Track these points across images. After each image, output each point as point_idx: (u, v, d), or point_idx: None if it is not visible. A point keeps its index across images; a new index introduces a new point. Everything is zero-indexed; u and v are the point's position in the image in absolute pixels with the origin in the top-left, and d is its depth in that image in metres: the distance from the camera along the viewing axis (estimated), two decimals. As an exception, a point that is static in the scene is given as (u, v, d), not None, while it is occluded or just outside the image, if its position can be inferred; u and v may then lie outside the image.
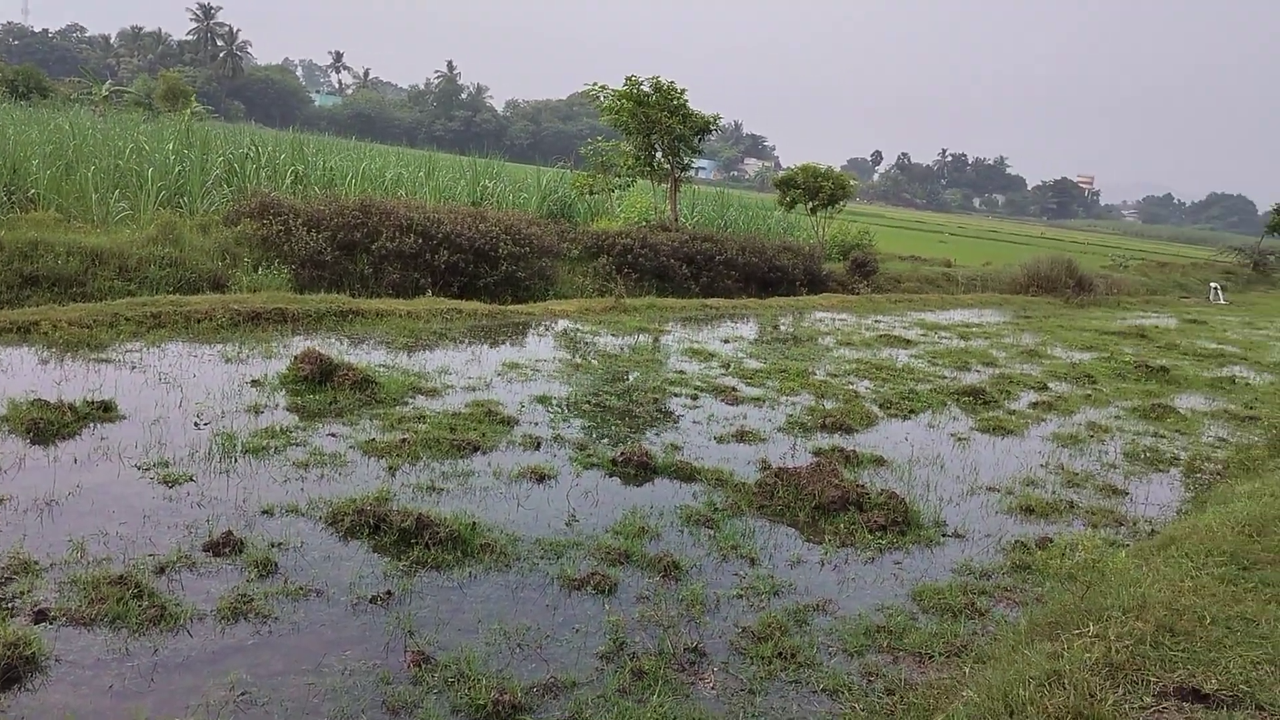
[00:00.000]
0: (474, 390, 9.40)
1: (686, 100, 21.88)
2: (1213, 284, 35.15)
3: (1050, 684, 3.71)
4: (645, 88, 21.65)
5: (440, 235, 15.59)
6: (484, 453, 7.52)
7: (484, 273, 15.96)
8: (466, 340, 11.93)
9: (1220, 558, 5.16)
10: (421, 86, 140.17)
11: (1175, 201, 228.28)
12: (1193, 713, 3.46)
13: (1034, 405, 11.56)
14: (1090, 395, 12.55)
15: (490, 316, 13.63)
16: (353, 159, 24.41)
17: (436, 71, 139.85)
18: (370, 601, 4.99)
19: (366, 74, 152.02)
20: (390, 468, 6.95)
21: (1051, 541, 6.75)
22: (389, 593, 5.08)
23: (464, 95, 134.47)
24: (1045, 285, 26.62)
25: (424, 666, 4.37)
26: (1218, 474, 8.99)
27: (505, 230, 16.53)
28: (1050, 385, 12.94)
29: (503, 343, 12.18)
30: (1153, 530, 7.21)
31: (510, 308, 14.48)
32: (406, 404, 8.63)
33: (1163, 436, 10.57)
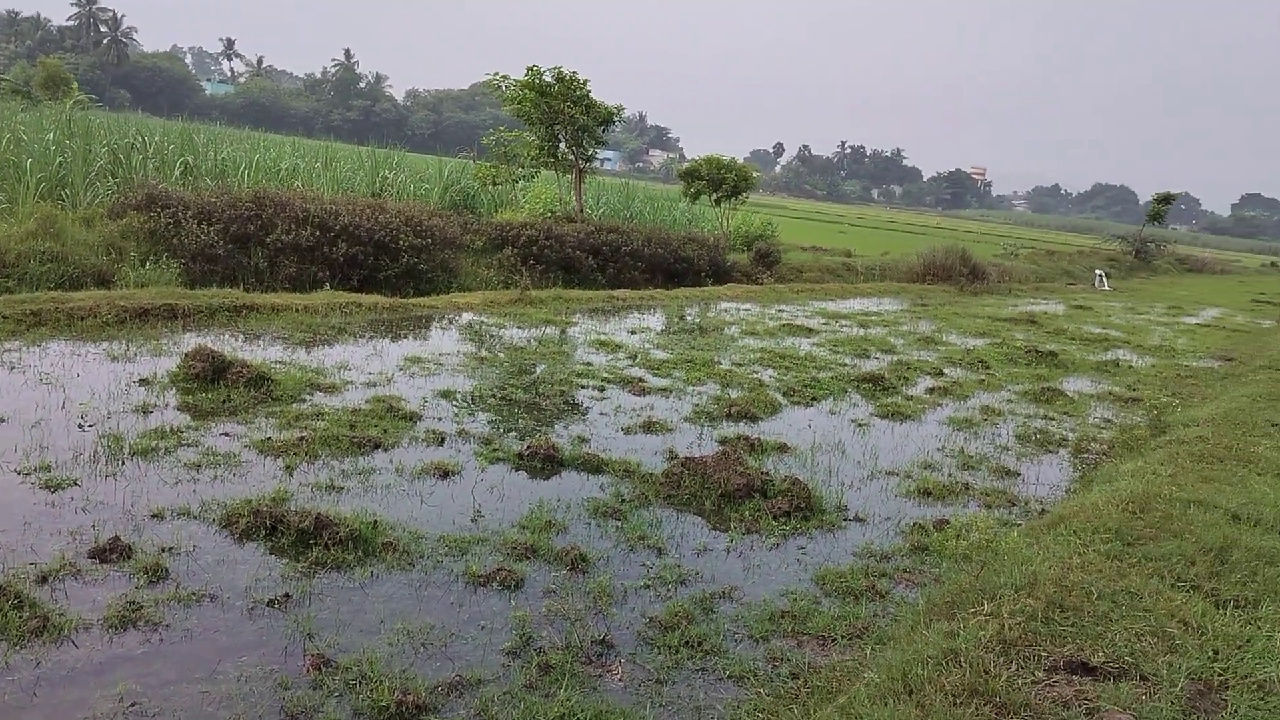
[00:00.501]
0: (375, 386, 9.21)
1: (590, 91, 21.79)
2: (1098, 271, 36.62)
3: (947, 662, 3.81)
4: (548, 78, 21.48)
5: (338, 227, 15.22)
6: (385, 449, 7.38)
7: (384, 265, 15.65)
8: (367, 334, 11.68)
9: (1106, 535, 5.37)
10: (318, 75, 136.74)
11: (1063, 192, 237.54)
12: (1081, 685, 3.59)
13: (931, 391, 11.87)
14: (984, 380, 12.95)
15: (391, 310, 13.37)
16: (246, 149, 23.63)
17: (334, 60, 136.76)
18: (267, 605, 4.84)
19: (260, 62, 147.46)
20: (288, 467, 6.75)
21: (948, 523, 6.95)
22: (287, 595, 4.94)
23: (362, 84, 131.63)
24: (941, 274, 27.37)
25: (324, 670, 4.27)
26: (1103, 454, 9.37)
27: (406, 222, 16.23)
28: (946, 371, 13.31)
29: (405, 337, 11.96)
30: (1043, 510, 7.48)
31: (412, 301, 14.22)
32: (304, 401, 8.41)
33: (1052, 419, 10.97)
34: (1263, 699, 3.61)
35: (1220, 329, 23.01)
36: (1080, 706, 3.46)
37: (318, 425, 7.67)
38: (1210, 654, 3.94)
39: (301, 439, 7.20)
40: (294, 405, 8.21)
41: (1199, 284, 43.19)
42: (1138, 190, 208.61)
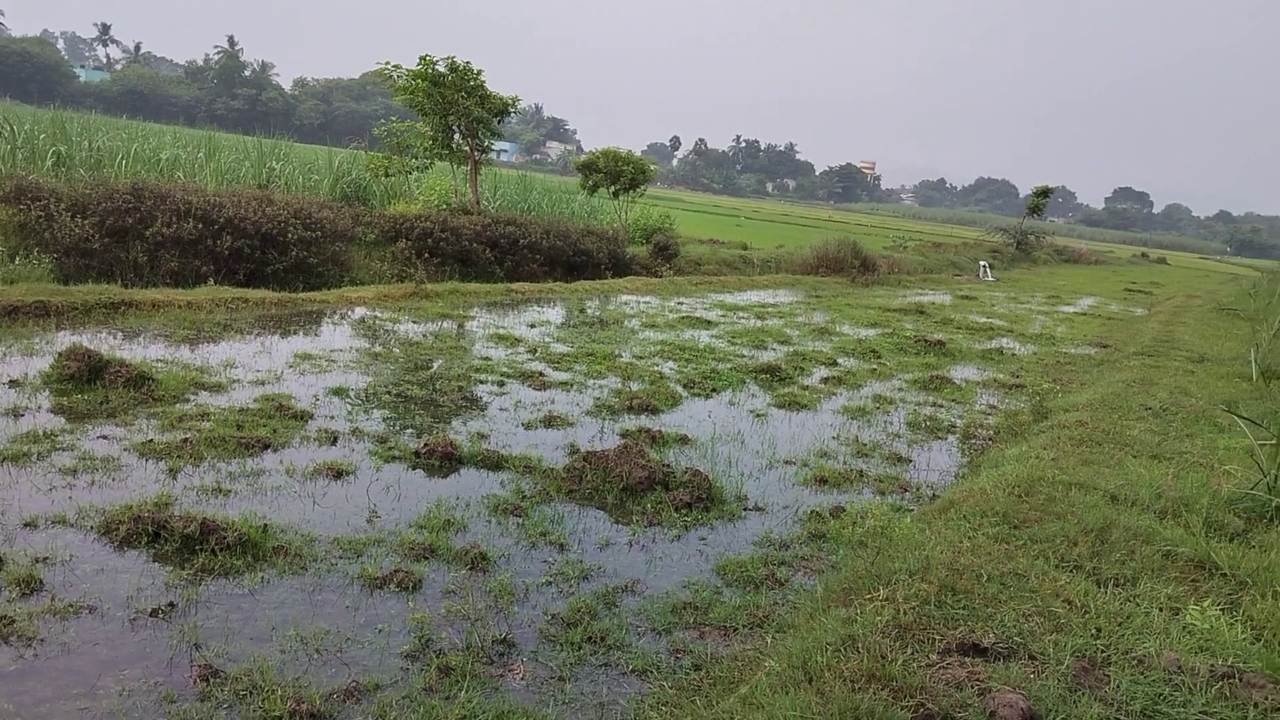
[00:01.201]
0: (263, 384, 8.91)
1: (484, 81, 21.49)
2: (982, 262, 37.92)
3: (845, 648, 3.87)
4: (441, 68, 21.11)
5: (223, 220, 14.67)
6: (275, 450, 7.13)
7: (272, 259, 15.16)
8: (254, 331, 11.29)
9: (994, 518, 5.55)
10: (200, 63, 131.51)
11: (948, 186, 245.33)
12: (973, 666, 3.69)
13: (825, 380, 12.10)
14: (876, 369, 13.26)
15: (280, 305, 12.96)
16: (124, 139, 22.58)
17: (216, 47, 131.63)
18: (150, 615, 4.62)
19: (138, 48, 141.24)
20: (171, 470, 6.47)
21: (844, 510, 7.09)
22: (171, 605, 4.73)
23: (247, 73, 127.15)
24: (833, 266, 27.95)
25: (212, 681, 4.09)
26: (989, 439, 9.69)
27: (295, 214, 15.74)
28: (840, 361, 13.58)
29: (294, 333, 11.60)
30: (934, 495, 7.69)
31: (302, 295, 13.80)
32: (188, 401, 8.07)
33: (941, 406, 11.30)
34: (1142, 673, 3.77)
35: (1096, 317, 24.08)
36: (972, 687, 3.56)
37: (203, 426, 7.37)
38: (1093, 631, 4.10)
39: (185, 441, 6.91)
40: (177, 406, 7.87)
41: (1076, 274, 45.17)
42: (1018, 184, 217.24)
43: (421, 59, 21.03)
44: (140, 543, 5.29)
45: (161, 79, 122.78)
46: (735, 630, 5.05)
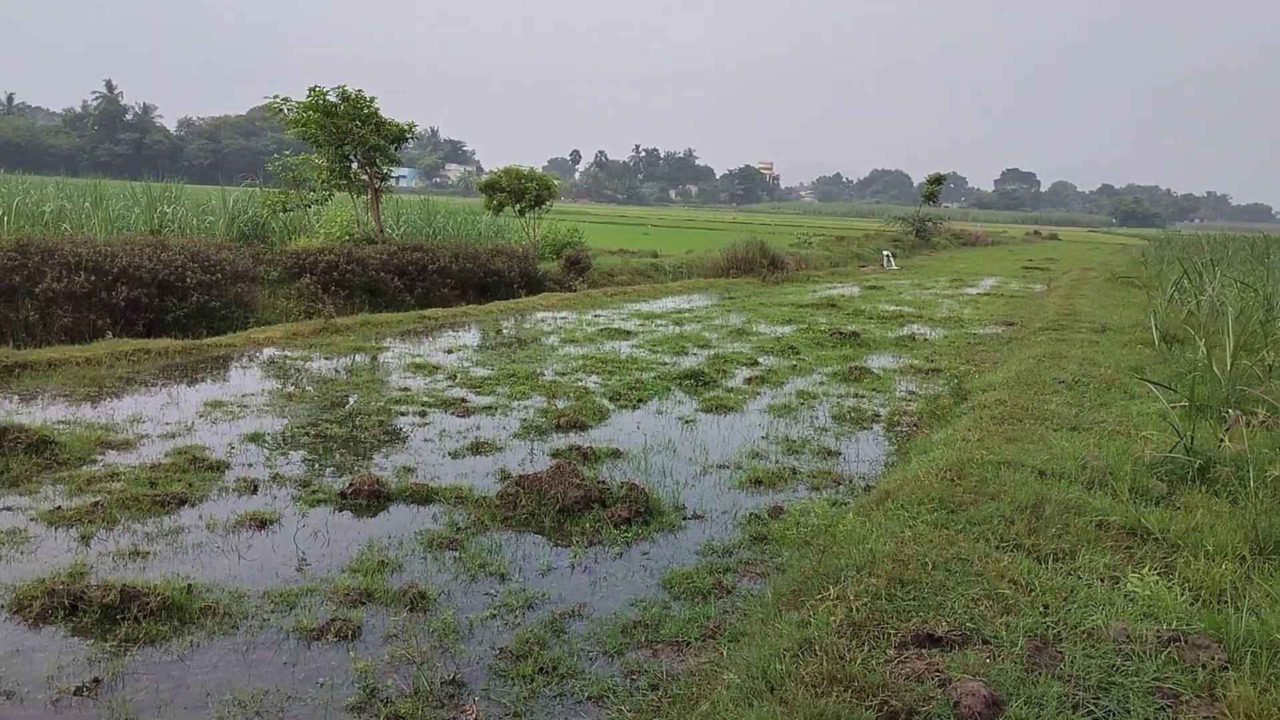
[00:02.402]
0: (174, 437, 8.54)
1: (378, 109, 21.16)
2: (885, 251, 38.73)
3: (803, 652, 3.83)
4: (332, 98, 20.70)
5: (116, 270, 14.08)
6: (193, 505, 6.83)
7: (172, 306, 14.61)
8: (159, 382, 10.84)
9: (931, 505, 5.60)
10: (79, 109, 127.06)
11: (844, 180, 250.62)
12: (931, 658, 3.68)
13: (749, 381, 12.16)
14: (795, 366, 13.39)
15: (184, 353, 12.48)
16: (3, 194, 21.60)
17: (95, 93, 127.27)
18: (75, 694, 4.34)
19: (11, 99, 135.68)
20: (83, 537, 6.13)
21: (784, 510, 7.09)
22: (96, 680, 4.45)
23: (129, 116, 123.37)
24: (743, 267, 28.21)
25: (147, 760, 3.86)
26: (914, 425, 9.83)
27: (192, 257, 15.21)
28: (760, 360, 13.67)
29: (202, 380, 11.18)
30: (868, 486, 7.76)
31: (206, 341, 13.33)
32: (95, 462, 7.68)
33: (862, 396, 11.44)
34: (1094, 646, 3.82)
35: (999, 296, 24.78)
36: (933, 679, 3.55)
37: (113, 487, 7.01)
38: (1041, 609, 4.15)
39: (96, 504, 6.56)
40: (84, 468, 7.48)
41: (975, 256, 46.49)
42: (911, 174, 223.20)
43: (311, 90, 20.60)
44: (57, 617, 4.99)
45: (39, 129, 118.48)
46: (688, 645, 4.98)
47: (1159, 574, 4.56)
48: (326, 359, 12.75)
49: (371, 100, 21.01)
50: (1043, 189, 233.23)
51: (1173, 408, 7.52)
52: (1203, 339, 9.54)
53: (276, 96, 21.15)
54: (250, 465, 7.83)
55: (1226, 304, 13.43)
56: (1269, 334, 9.86)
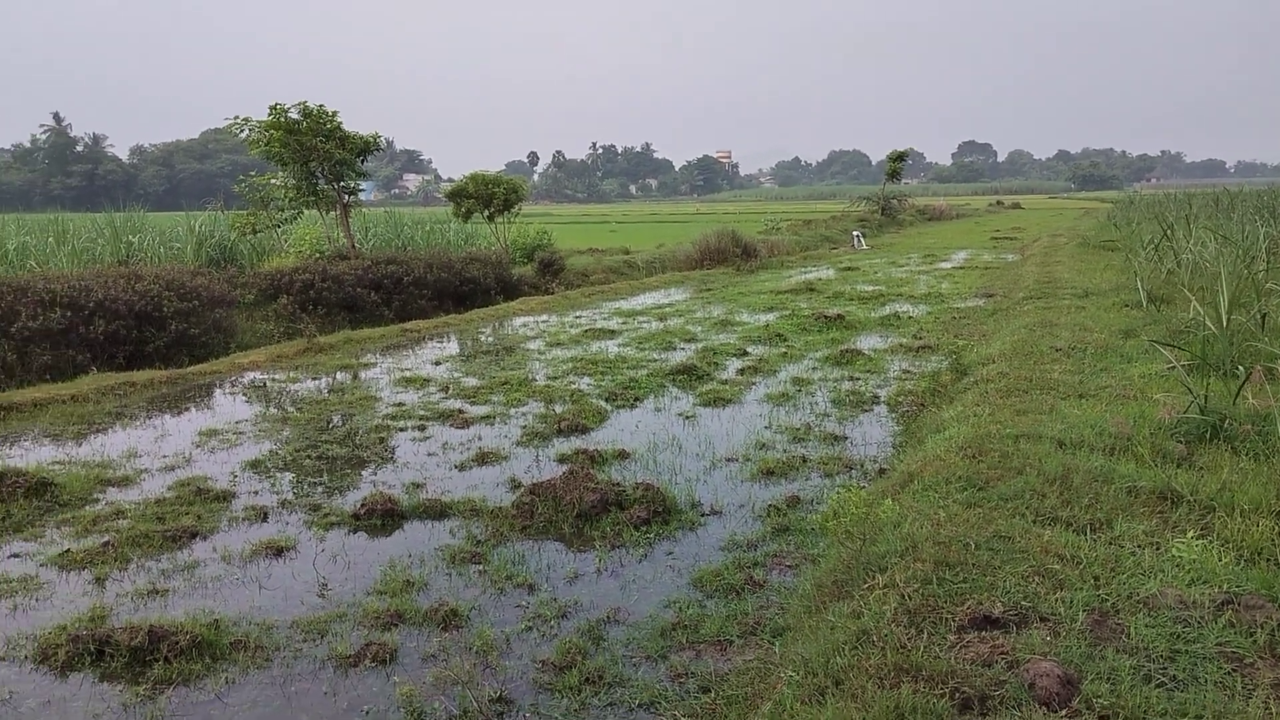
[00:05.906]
0: (174, 469, 8.37)
1: (341, 123, 20.93)
2: (855, 232, 38.83)
3: (861, 644, 3.78)
4: (294, 115, 20.44)
5: (92, 304, 13.80)
6: (204, 537, 6.69)
7: (151, 336, 14.35)
8: (149, 414, 10.63)
9: (958, 484, 5.57)
10: (27, 144, 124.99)
11: (803, 163, 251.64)
12: (994, 640, 3.64)
13: (741, 371, 12.12)
14: (785, 353, 13.36)
15: (170, 383, 12.27)
16: (-39, 234, 21.17)
17: (43, 126, 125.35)
18: (111, 745, 4.23)
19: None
20: (97, 579, 5.98)
21: (800, 500, 7.06)
22: (132, 728, 4.34)
23: (80, 148, 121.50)
24: (717, 257, 28.20)
25: (200, 805, 3.76)
26: (917, 404, 9.82)
27: (167, 286, 14.94)
28: (749, 350, 13.64)
29: (192, 409, 10.98)
30: (881, 469, 7.74)
31: (190, 370, 13.11)
32: (97, 501, 7.51)
33: (858, 378, 11.44)
34: (1152, 615, 3.80)
35: (974, 269, 24.90)
36: (1001, 662, 3.51)
37: (120, 525, 6.85)
38: (1093, 581, 4.12)
39: (106, 544, 6.40)
40: (87, 508, 7.30)
41: (942, 230, 46.74)
42: (869, 152, 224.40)
43: (272, 108, 20.34)
44: (84, 664, 4.85)
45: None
46: (730, 643, 4.93)
47: (1199, 536, 4.56)
48: (314, 379, 12.57)
49: (334, 115, 20.79)
50: (1000, 159, 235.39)
51: (1174, 368, 7.56)
52: (1194, 297, 9.59)
53: (237, 118, 20.87)
54: (256, 492, 7.69)
55: (1207, 261, 13.56)
56: (1258, 287, 9.94)
